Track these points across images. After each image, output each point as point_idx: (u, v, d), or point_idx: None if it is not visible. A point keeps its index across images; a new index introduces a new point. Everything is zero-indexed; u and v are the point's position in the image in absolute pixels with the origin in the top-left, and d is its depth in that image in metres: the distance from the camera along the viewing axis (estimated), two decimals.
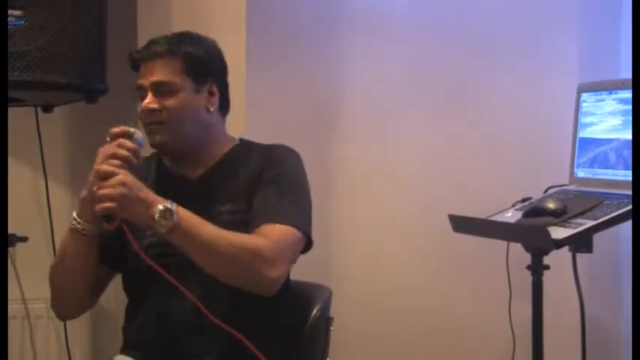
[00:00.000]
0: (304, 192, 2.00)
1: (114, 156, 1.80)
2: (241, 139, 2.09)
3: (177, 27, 2.58)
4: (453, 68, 3.08)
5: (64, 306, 2.03)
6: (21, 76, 2.19)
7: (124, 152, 1.81)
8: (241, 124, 2.09)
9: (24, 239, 2.66)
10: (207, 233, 1.80)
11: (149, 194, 1.78)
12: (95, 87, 2.37)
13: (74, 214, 1.88)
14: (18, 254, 2.73)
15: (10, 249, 2.58)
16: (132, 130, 1.87)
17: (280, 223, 1.88)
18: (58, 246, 1.99)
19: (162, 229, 1.76)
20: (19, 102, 2.44)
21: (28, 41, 2.20)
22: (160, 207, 1.75)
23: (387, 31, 3.06)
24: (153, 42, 1.99)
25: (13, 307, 2.83)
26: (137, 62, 1.99)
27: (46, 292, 2.88)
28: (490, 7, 3.10)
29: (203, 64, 1.99)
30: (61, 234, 2.85)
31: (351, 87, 3.05)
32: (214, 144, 2.03)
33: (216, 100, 2.01)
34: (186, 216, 1.79)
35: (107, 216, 1.77)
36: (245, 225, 1.90)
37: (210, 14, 2.66)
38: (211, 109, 2.00)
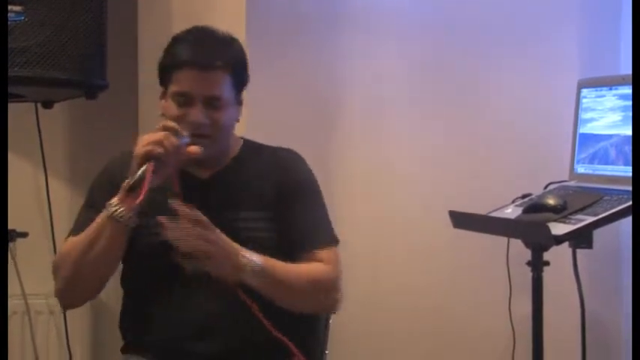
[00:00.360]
0: (324, 201, 2.05)
1: (153, 144, 1.77)
2: (245, 139, 2.08)
3: (177, 24, 2.58)
4: (453, 65, 3.08)
5: (77, 295, 1.97)
6: (21, 72, 2.19)
7: (159, 149, 1.77)
8: (241, 123, 2.08)
9: (24, 235, 2.66)
10: (279, 272, 1.86)
11: (232, 245, 1.81)
12: (95, 83, 2.37)
13: (115, 203, 1.80)
14: (18, 250, 2.73)
15: (10, 244, 2.58)
16: (181, 130, 1.83)
17: (328, 245, 1.97)
18: (74, 237, 1.91)
19: (247, 277, 1.81)
20: (19, 98, 2.44)
21: (28, 37, 2.20)
22: (247, 257, 1.80)
23: (387, 29, 3.06)
24: (202, 48, 1.91)
25: (14, 303, 2.83)
26: (181, 65, 1.89)
27: (46, 288, 2.90)
28: (490, 4, 3.10)
29: (245, 75, 1.98)
30: (61, 229, 2.86)
31: (350, 86, 3.05)
32: (227, 149, 2.01)
33: (242, 109, 2.00)
34: (261, 258, 1.83)
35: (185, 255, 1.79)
36: (271, 233, 1.94)
37: (211, 11, 2.66)
38: (239, 119, 1.99)
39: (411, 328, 3.04)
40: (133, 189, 1.76)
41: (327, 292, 1.94)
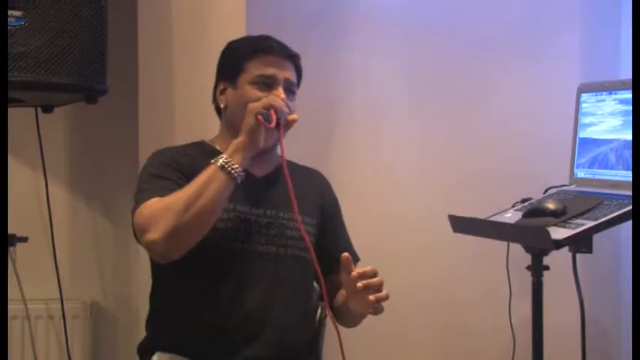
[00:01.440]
0: None
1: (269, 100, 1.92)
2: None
3: (178, 28, 2.59)
4: (453, 68, 3.08)
5: (178, 245, 1.89)
6: (21, 77, 2.19)
7: (275, 102, 1.92)
8: None
9: (24, 239, 2.66)
10: None
11: None
12: (95, 87, 2.37)
13: (225, 157, 1.87)
14: (18, 254, 2.73)
15: (10, 249, 2.58)
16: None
17: (357, 259, 2.17)
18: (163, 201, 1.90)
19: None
20: (19, 102, 2.44)
21: (28, 42, 2.20)
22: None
23: (388, 32, 3.06)
24: (277, 41, 2.10)
25: (13, 308, 2.83)
26: (263, 51, 2.04)
27: (46, 293, 2.90)
28: (491, 7, 3.10)
29: (301, 76, 2.14)
30: (61, 234, 2.87)
31: (351, 86, 3.05)
32: (275, 150, 2.09)
33: None
34: None
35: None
36: (314, 238, 2.08)
37: (211, 15, 2.66)
38: None
39: (410, 332, 3.04)
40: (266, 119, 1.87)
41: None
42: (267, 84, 2.01)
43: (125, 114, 2.80)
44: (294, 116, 1.95)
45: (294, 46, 2.97)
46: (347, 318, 2.04)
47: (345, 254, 1.85)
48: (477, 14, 3.10)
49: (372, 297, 1.81)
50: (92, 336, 3.00)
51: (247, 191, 1.98)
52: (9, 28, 2.15)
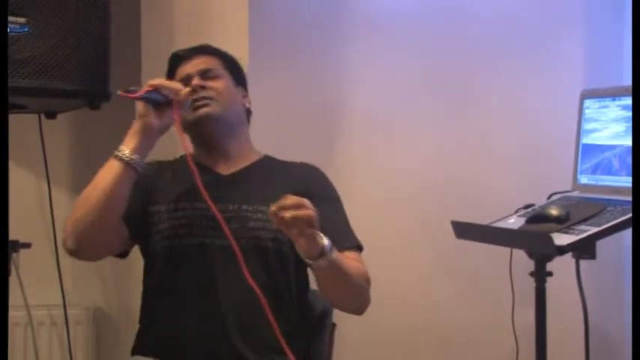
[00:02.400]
0: (346, 213, 2.14)
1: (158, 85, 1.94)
2: (266, 155, 2.20)
3: (181, 34, 2.60)
4: (456, 73, 3.08)
5: (81, 239, 1.95)
6: (24, 83, 2.19)
7: (173, 85, 1.96)
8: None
9: (27, 245, 2.66)
10: (346, 265, 1.89)
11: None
12: (98, 93, 2.38)
13: (123, 147, 1.93)
14: (21, 261, 2.73)
15: (13, 255, 2.58)
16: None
17: (357, 248, 2.06)
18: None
19: (325, 262, 1.80)
20: (23, 108, 2.44)
21: (31, 48, 2.21)
22: (326, 241, 1.79)
23: (389, 36, 3.06)
24: (197, 46, 2.18)
25: (17, 314, 2.83)
26: (178, 60, 2.14)
27: (48, 299, 2.90)
28: (494, 13, 3.11)
29: (238, 69, 2.19)
30: None
31: (353, 91, 3.05)
32: (246, 147, 2.16)
33: (248, 102, 2.18)
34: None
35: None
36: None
37: (214, 19, 2.66)
38: (247, 105, 2.17)
39: (413, 339, 3.03)
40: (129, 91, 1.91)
41: (368, 291, 1.99)
42: (186, 84, 2.06)
43: (128, 120, 2.79)
44: (186, 90, 1.97)
45: (296, 51, 3.00)
46: (325, 286, 1.91)
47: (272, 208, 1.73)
48: (479, 21, 3.10)
49: (287, 214, 1.69)
50: (95, 342, 3.00)
51: (211, 189, 1.96)
52: (13, 34, 2.16)
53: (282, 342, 1.80)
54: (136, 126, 1.94)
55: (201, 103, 2.05)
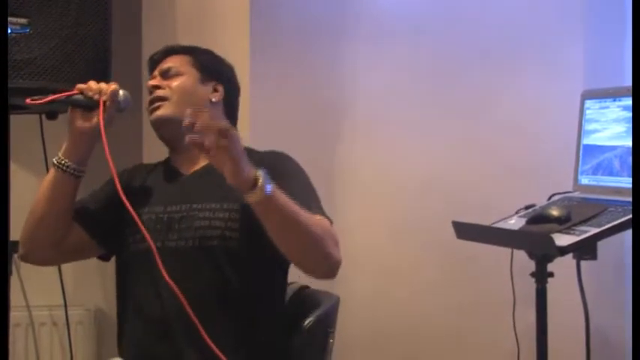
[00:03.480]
0: (316, 191, 2.00)
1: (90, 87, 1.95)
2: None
3: (182, 34, 2.60)
4: (456, 74, 3.08)
5: (31, 245, 2.03)
6: (26, 84, 2.20)
7: (97, 86, 1.95)
8: (244, 128, 2.12)
9: None
10: (292, 205, 1.76)
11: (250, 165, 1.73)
12: None
13: (61, 154, 1.97)
14: (22, 262, 2.72)
15: (14, 256, 2.58)
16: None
17: (322, 214, 1.90)
18: None
19: (260, 194, 1.69)
20: (24, 109, 2.44)
21: (32, 49, 2.21)
22: (261, 171, 1.70)
23: (391, 37, 3.06)
24: (160, 50, 2.17)
25: (17, 315, 2.84)
26: (153, 63, 2.15)
27: (49, 300, 2.90)
28: (495, 14, 3.11)
29: (212, 64, 2.14)
30: None
31: (354, 91, 3.05)
32: None
33: (219, 95, 2.11)
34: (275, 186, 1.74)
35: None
36: (243, 225, 1.92)
37: (215, 18, 2.67)
38: (213, 100, 2.09)
39: (414, 335, 3.03)
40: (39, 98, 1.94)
41: (331, 245, 1.84)
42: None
43: (129, 120, 2.79)
44: (113, 86, 1.96)
45: (297, 51, 3.00)
46: (270, 230, 1.77)
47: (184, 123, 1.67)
48: (480, 23, 3.10)
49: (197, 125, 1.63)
50: (96, 342, 3.00)
51: (170, 190, 2.01)
52: (14, 35, 2.16)
53: (212, 346, 1.78)
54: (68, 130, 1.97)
55: (153, 106, 2.06)
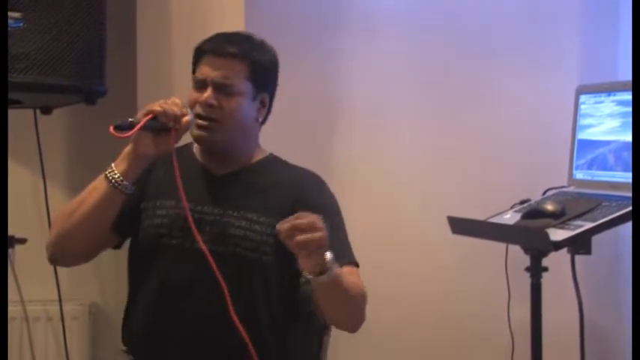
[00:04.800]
0: (344, 226, 2.06)
1: (156, 105, 1.84)
2: (271, 153, 2.11)
3: (176, 30, 2.60)
4: (452, 70, 3.08)
5: (65, 249, 1.97)
6: (20, 78, 2.19)
7: (158, 108, 1.82)
8: None
9: (22, 241, 2.66)
10: (345, 282, 1.83)
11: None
12: (94, 89, 2.38)
13: (114, 167, 1.87)
14: (16, 256, 2.72)
15: (9, 250, 2.58)
16: (187, 107, 1.90)
17: (351, 264, 1.97)
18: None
19: (326, 278, 1.75)
20: (18, 104, 2.44)
21: (26, 43, 2.21)
22: (329, 255, 1.75)
23: (388, 33, 3.06)
24: (225, 39, 2.00)
25: (12, 309, 2.83)
26: (203, 54, 1.98)
27: (44, 294, 2.90)
28: (490, 9, 3.10)
29: (266, 74, 2.03)
30: None
31: (350, 89, 3.05)
32: (247, 150, 2.05)
33: (265, 111, 2.05)
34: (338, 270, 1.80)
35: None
36: (269, 239, 1.93)
37: (209, 16, 2.66)
38: (259, 119, 2.04)
39: (409, 334, 3.03)
40: (123, 128, 1.81)
41: (364, 308, 1.95)
42: (199, 87, 1.96)
43: (124, 115, 2.78)
44: (187, 118, 1.85)
45: (294, 49, 2.99)
46: (323, 302, 1.86)
47: (278, 227, 1.70)
48: (476, 17, 3.10)
49: (300, 237, 1.66)
50: (91, 337, 3.00)
51: (200, 189, 1.96)
52: (8, 29, 2.15)
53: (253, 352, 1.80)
54: (129, 148, 1.87)
55: (201, 123, 1.93)
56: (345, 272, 1.87)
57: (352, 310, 1.91)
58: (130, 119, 1.82)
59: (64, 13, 2.26)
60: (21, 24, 2.21)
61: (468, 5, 3.11)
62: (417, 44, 3.07)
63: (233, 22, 2.66)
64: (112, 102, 2.54)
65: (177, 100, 1.87)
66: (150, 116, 1.82)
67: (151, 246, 1.96)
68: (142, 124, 1.80)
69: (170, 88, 2.66)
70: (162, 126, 1.83)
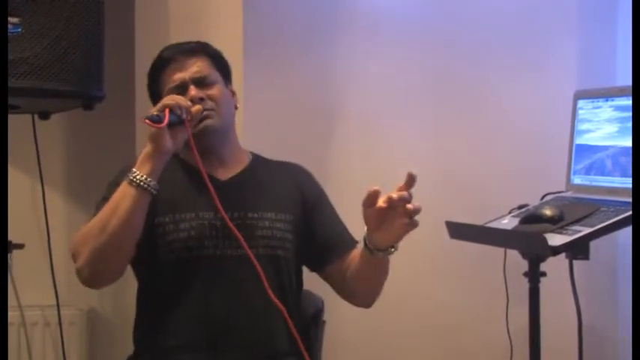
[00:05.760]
0: None
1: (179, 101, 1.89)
2: (252, 153, 2.17)
3: (175, 34, 2.59)
4: (450, 74, 3.08)
5: (100, 270, 1.92)
6: (18, 83, 2.19)
7: (173, 102, 1.87)
8: (238, 129, 2.12)
9: (20, 246, 2.65)
10: None
11: None
12: (92, 94, 2.37)
13: (138, 171, 1.86)
14: (14, 261, 2.72)
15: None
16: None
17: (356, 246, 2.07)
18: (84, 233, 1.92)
19: (388, 253, 1.93)
20: (16, 109, 2.44)
21: (24, 48, 2.20)
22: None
23: (385, 36, 3.06)
24: (176, 45, 2.09)
25: (9, 314, 2.83)
26: (165, 65, 2.04)
27: (42, 299, 2.90)
28: (488, 14, 3.11)
29: (225, 64, 2.12)
30: (57, 240, 2.86)
31: (348, 91, 3.05)
32: (236, 148, 2.13)
33: (235, 101, 2.12)
34: None
35: None
36: (288, 234, 2.03)
37: (208, 21, 2.66)
38: (237, 106, 2.11)
39: (407, 334, 3.03)
40: (153, 121, 1.83)
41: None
42: (180, 89, 2.00)
43: (122, 120, 2.80)
44: (197, 107, 1.92)
45: (291, 51, 3.00)
46: (366, 276, 2.00)
47: (373, 189, 1.87)
48: (474, 21, 3.10)
49: (409, 205, 1.84)
50: (89, 342, 3.00)
51: (211, 196, 1.95)
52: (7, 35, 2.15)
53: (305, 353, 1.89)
54: (149, 148, 1.87)
55: (203, 115, 1.98)
56: (353, 257, 2.03)
57: (383, 284, 2.04)
58: (155, 113, 1.85)
59: (62, 19, 2.25)
60: (19, 29, 2.20)
61: (466, 10, 3.11)
62: (414, 48, 3.07)
63: (231, 26, 2.66)
64: (110, 107, 2.54)
65: (178, 97, 1.92)
66: (168, 108, 1.86)
67: (181, 260, 1.96)
68: (163, 110, 1.85)
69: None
70: (178, 119, 1.87)
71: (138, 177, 1.85)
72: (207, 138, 2.01)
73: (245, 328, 1.95)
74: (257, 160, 2.14)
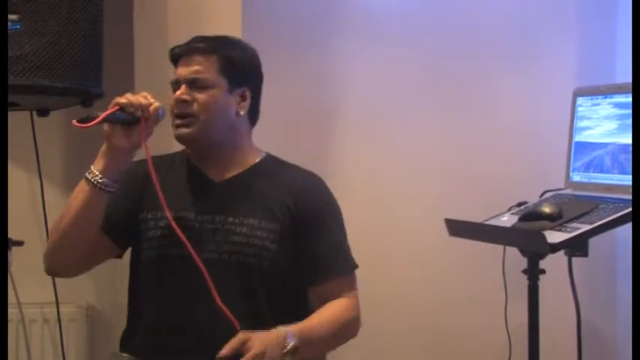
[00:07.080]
0: (344, 226, 2.09)
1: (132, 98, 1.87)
2: (268, 153, 2.10)
3: (174, 32, 2.59)
4: (450, 72, 3.08)
5: (58, 258, 1.99)
6: (17, 81, 2.19)
7: (123, 100, 1.86)
8: None
9: (19, 243, 2.65)
10: (321, 332, 1.93)
11: (276, 335, 1.84)
12: (91, 91, 2.37)
13: (93, 168, 1.88)
14: (14, 258, 2.72)
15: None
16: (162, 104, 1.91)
17: (348, 272, 2.04)
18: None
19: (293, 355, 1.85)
20: (15, 106, 2.44)
21: (23, 45, 2.20)
22: (289, 341, 1.84)
23: (383, 35, 3.06)
24: (195, 39, 2.02)
25: (9, 311, 2.83)
26: (176, 57, 2.01)
27: (41, 297, 2.90)
28: (487, 12, 3.11)
29: (240, 68, 2.01)
30: None
31: (348, 90, 3.05)
32: (241, 150, 2.04)
33: (246, 105, 2.02)
34: (303, 331, 1.87)
35: None
36: (273, 245, 1.95)
37: (207, 19, 2.66)
38: (241, 113, 2.00)
39: (406, 332, 3.04)
40: (87, 120, 1.83)
41: (356, 329, 2.04)
42: (177, 85, 1.98)
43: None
44: (155, 105, 1.87)
45: (291, 50, 3.00)
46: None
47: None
48: (472, 19, 3.10)
49: None
50: (88, 339, 3.00)
51: (200, 197, 1.95)
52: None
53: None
54: (103, 146, 1.88)
55: (179, 122, 1.94)
56: (334, 286, 1.98)
57: (339, 343, 2.02)
58: (96, 112, 1.84)
59: (61, 16, 2.25)
60: (18, 26, 2.20)
61: (464, 8, 3.11)
62: (413, 46, 3.07)
63: (230, 24, 2.66)
64: (109, 104, 2.53)
65: (145, 94, 1.89)
66: (115, 108, 1.85)
67: (155, 257, 1.96)
68: (104, 115, 1.83)
69: (167, 90, 2.66)
70: (130, 117, 1.85)
71: (90, 174, 1.87)
72: (187, 145, 1.99)
73: (193, 332, 1.91)
74: (265, 164, 2.06)
